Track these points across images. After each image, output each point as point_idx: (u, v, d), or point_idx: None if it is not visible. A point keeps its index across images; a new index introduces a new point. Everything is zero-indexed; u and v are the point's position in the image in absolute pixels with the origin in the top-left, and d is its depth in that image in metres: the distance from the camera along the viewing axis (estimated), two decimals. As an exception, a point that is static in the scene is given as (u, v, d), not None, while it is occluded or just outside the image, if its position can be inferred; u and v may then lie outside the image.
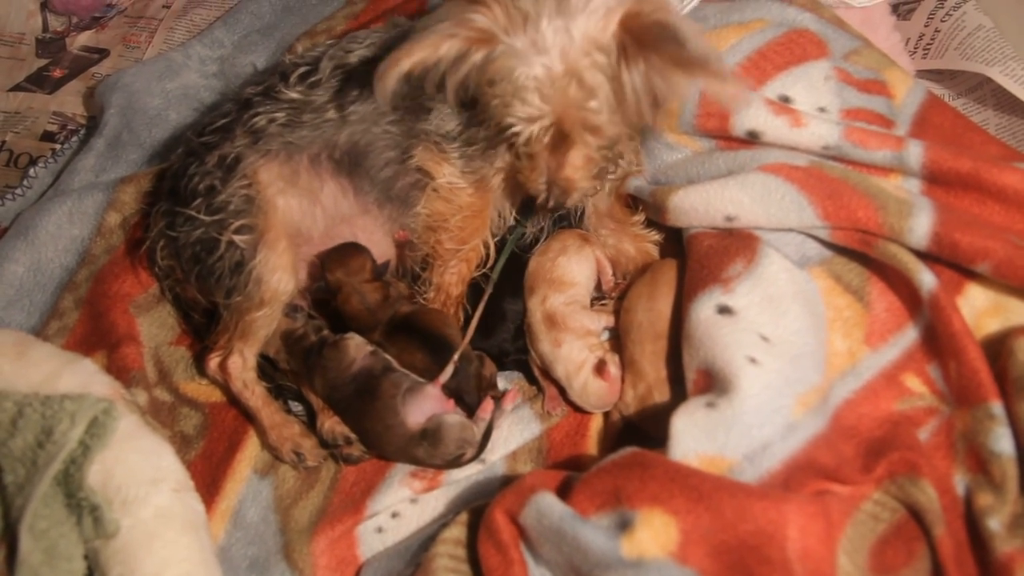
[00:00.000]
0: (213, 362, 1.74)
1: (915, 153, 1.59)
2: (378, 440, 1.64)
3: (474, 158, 1.68)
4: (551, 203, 1.60)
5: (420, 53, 1.41)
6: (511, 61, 1.42)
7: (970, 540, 1.35)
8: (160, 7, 2.71)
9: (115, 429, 1.46)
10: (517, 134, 1.49)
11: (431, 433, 1.58)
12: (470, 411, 1.64)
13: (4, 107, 2.50)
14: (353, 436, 1.68)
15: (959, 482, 1.39)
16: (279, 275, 1.66)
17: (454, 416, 1.61)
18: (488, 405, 1.66)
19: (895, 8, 2.21)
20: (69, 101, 2.51)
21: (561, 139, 1.51)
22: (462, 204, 1.73)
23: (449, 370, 1.64)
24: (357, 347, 1.67)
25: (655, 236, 1.84)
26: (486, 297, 1.71)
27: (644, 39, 1.37)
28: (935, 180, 1.60)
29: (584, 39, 1.41)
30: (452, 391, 1.64)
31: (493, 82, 1.45)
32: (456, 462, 1.60)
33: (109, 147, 2.23)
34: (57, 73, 2.60)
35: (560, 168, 1.55)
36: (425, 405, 1.60)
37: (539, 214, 1.79)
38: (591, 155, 1.55)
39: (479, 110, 1.57)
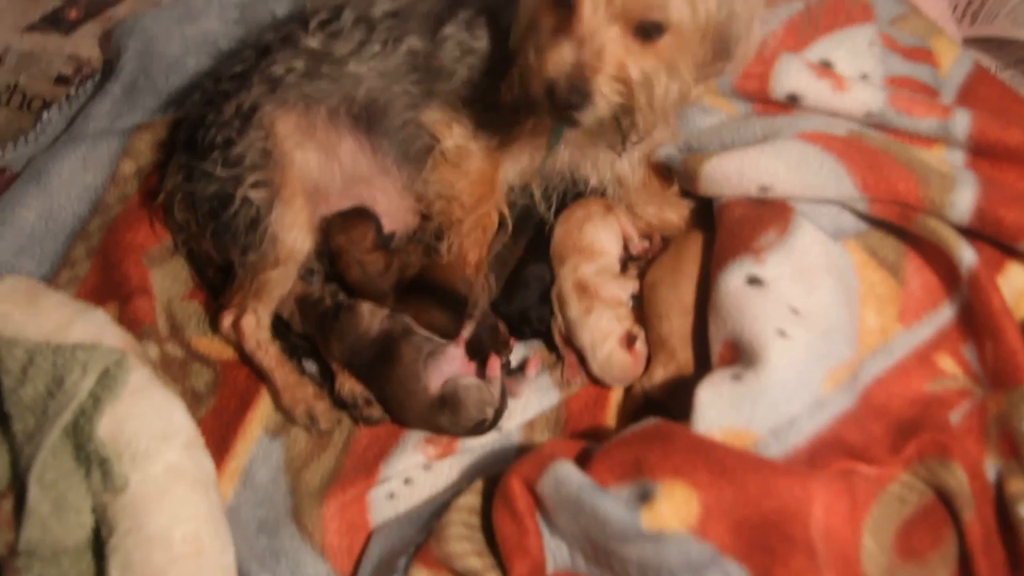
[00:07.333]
0: (227, 320, 1.71)
1: (962, 123, 1.56)
2: (400, 407, 1.61)
3: (489, 123, 1.63)
4: (559, 88, 1.36)
5: None
6: None
7: (999, 526, 1.32)
8: (180, -50, 2.66)
9: (127, 381, 1.43)
10: None
11: (449, 399, 1.55)
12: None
13: (18, 47, 2.44)
14: (373, 397, 1.65)
15: (990, 467, 1.37)
16: (295, 233, 1.63)
17: (468, 378, 1.57)
18: (495, 363, 1.60)
19: (943, -28, 2.15)
20: (85, 44, 2.45)
21: (614, 14, 1.34)
22: (470, 170, 1.67)
23: (469, 328, 1.60)
24: (371, 312, 1.65)
25: (692, 204, 1.77)
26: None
27: None
28: (981, 152, 1.57)
29: None
30: (474, 349, 1.61)
31: None
32: (479, 428, 1.57)
33: (125, 93, 2.18)
34: (73, 14, 2.53)
35: (598, 47, 1.34)
36: (447, 368, 1.57)
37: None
38: (637, 59, 1.37)
39: None
